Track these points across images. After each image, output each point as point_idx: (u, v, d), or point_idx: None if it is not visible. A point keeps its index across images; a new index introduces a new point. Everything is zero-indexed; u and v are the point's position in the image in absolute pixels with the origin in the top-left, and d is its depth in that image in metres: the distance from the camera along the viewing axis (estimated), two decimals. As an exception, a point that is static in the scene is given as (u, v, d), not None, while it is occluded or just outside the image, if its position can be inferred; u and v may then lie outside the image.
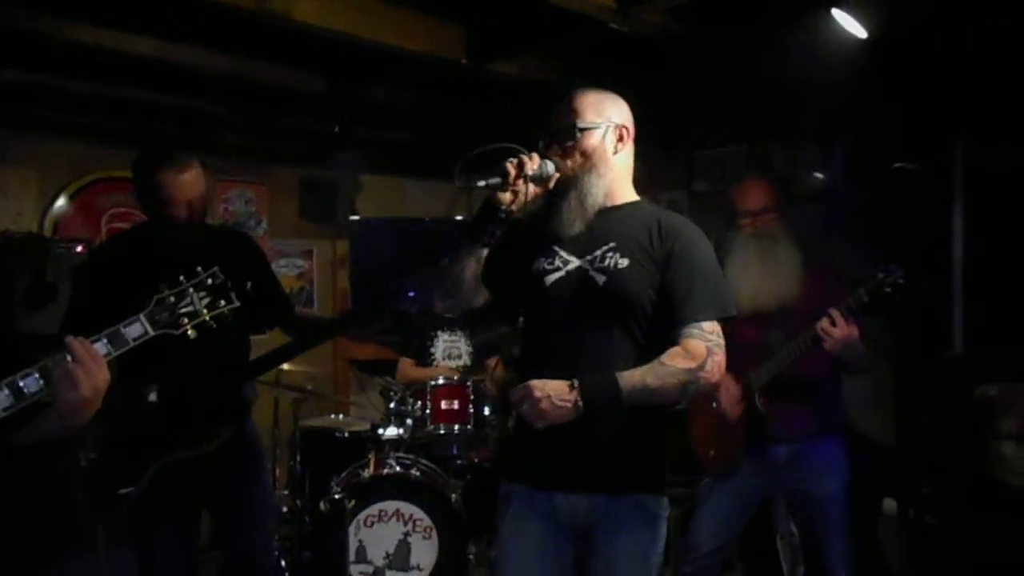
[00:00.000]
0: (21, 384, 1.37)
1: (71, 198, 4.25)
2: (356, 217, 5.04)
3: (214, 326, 1.58)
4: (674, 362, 1.77)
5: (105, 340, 1.45)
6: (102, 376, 1.41)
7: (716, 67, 3.16)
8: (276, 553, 3.32)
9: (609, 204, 1.89)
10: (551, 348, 1.86)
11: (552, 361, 1.83)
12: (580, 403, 1.73)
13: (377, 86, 3.40)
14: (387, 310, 3.03)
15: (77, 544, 2.90)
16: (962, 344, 3.30)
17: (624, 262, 1.83)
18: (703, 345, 1.79)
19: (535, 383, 1.75)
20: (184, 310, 1.54)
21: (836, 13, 2.43)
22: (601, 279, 1.83)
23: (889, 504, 3.30)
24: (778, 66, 2.89)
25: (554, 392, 1.73)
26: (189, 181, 2.34)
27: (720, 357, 1.81)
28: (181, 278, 1.56)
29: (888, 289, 2.33)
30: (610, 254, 1.85)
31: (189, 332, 1.56)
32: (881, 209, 3.38)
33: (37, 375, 1.38)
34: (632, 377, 1.75)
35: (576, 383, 1.73)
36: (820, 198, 3.91)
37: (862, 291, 2.36)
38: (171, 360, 2.35)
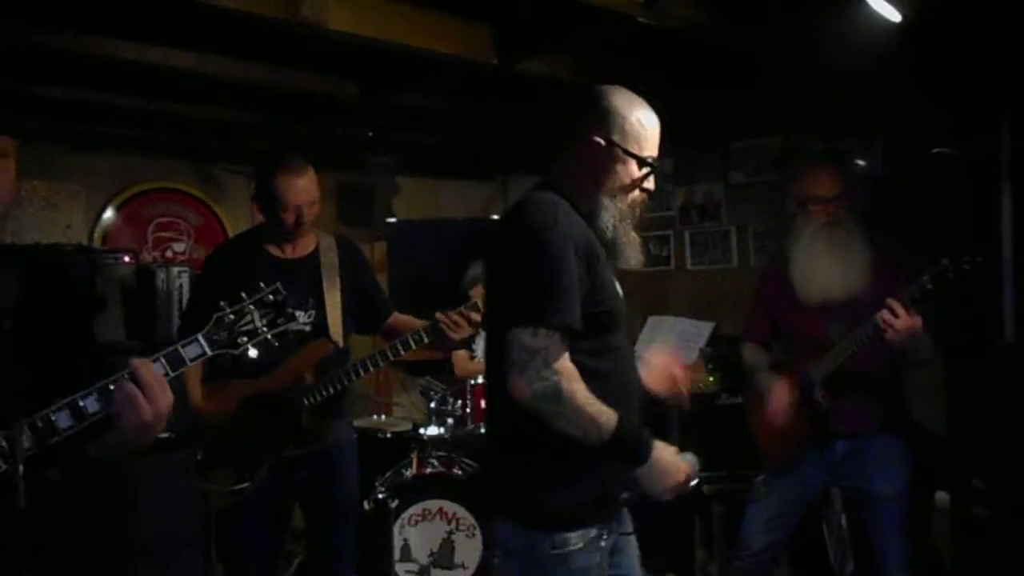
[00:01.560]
0: (82, 404, 1.36)
1: (118, 210, 4.37)
2: (393, 219, 5.10)
3: (276, 344, 1.55)
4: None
5: (164, 361, 1.43)
6: (165, 400, 1.38)
7: (747, 58, 3.11)
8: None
9: None
10: (629, 373, 1.79)
11: (625, 389, 1.74)
12: None
13: (409, 89, 3.43)
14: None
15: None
16: (1014, 331, 3.20)
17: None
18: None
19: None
20: (244, 328, 1.50)
21: (870, -2, 2.38)
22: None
23: (941, 497, 3.22)
24: (811, 54, 2.84)
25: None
26: (301, 186, 2.49)
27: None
28: (243, 295, 1.52)
29: (951, 275, 2.24)
30: None
31: (251, 353, 1.52)
32: (925, 195, 3.30)
33: (97, 396, 1.37)
34: None
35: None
36: (862, 186, 3.84)
37: (926, 278, 2.27)
38: (278, 358, 2.45)
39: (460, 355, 4.03)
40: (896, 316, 2.27)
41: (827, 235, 2.53)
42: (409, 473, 3.49)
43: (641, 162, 1.77)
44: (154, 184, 4.49)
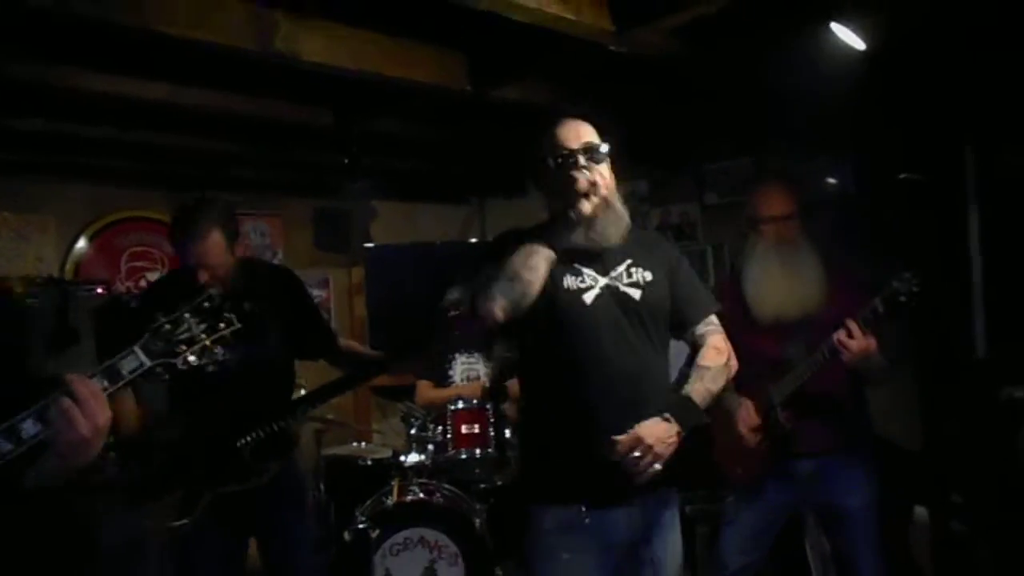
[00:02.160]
0: (20, 427, 1.32)
1: (90, 240, 4.33)
2: (370, 244, 5.09)
3: (218, 352, 1.52)
4: (715, 361, 1.95)
5: (100, 375, 1.39)
6: (103, 415, 1.34)
7: (719, 83, 3.17)
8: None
9: None
10: (591, 364, 1.85)
11: (594, 377, 1.84)
12: (682, 432, 1.79)
13: (384, 116, 3.45)
14: (424, 349, 3.02)
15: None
16: (985, 348, 3.25)
17: (649, 275, 1.95)
18: (722, 337, 1.98)
19: (643, 434, 1.75)
20: (181, 337, 1.48)
21: (835, 27, 2.43)
22: (637, 293, 1.92)
23: (920, 512, 3.25)
24: (781, 79, 2.89)
25: (660, 434, 1.76)
26: (204, 250, 2.41)
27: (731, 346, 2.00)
28: (180, 305, 1.50)
29: (903, 298, 2.28)
30: (634, 269, 1.95)
31: (190, 359, 1.49)
32: (893, 217, 3.35)
33: (34, 418, 1.32)
34: (700, 391, 1.89)
35: (671, 417, 1.79)
36: (832, 205, 3.90)
37: (877, 301, 2.32)
38: (218, 396, 2.41)
39: (423, 383, 4.00)
40: (852, 337, 2.30)
41: (779, 253, 2.54)
42: (390, 501, 3.45)
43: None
44: (127, 213, 4.45)
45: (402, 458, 3.61)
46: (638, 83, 3.25)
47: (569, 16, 2.38)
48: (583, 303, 1.88)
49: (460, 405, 3.66)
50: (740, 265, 2.69)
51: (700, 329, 1.98)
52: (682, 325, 1.99)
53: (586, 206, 1.85)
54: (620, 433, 1.77)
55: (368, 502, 3.52)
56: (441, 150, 4.36)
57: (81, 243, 4.30)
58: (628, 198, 4.80)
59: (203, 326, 1.50)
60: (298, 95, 3.25)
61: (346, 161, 3.64)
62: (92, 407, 1.33)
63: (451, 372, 4.03)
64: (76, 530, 2.86)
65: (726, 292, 2.75)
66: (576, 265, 1.91)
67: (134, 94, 2.91)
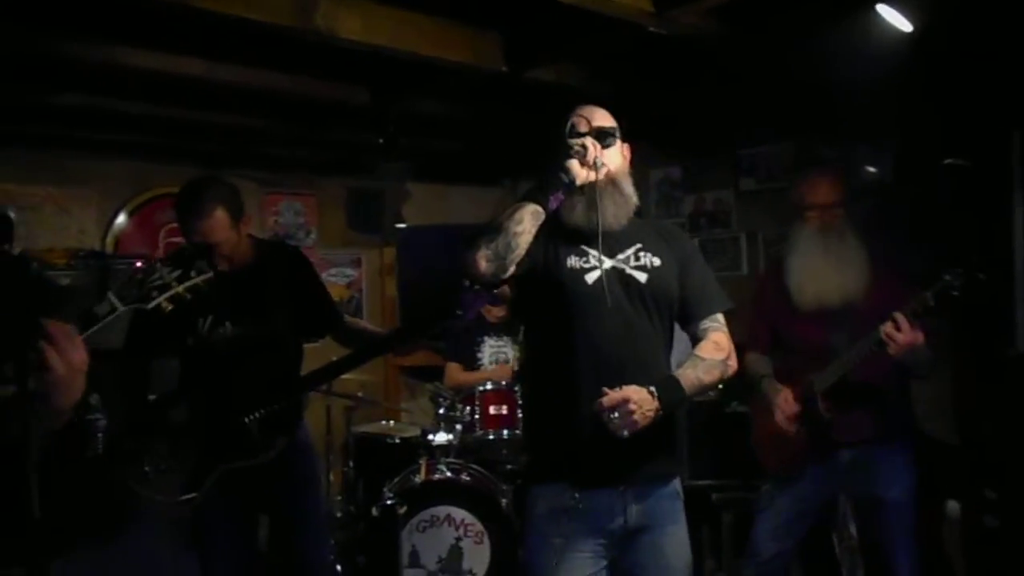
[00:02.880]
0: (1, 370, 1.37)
1: (130, 215, 4.40)
2: (402, 225, 5.11)
3: (189, 298, 1.56)
4: (711, 355, 1.94)
5: (76, 323, 1.42)
6: (78, 356, 1.37)
7: (758, 66, 3.12)
8: (332, 557, 3.39)
9: None
10: (589, 345, 1.86)
11: (590, 358, 1.86)
12: (661, 410, 1.80)
13: (420, 96, 3.45)
14: (436, 326, 3.04)
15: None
16: (1024, 341, 3.18)
17: (657, 260, 1.95)
18: (725, 337, 1.97)
19: (629, 394, 1.76)
20: (154, 283, 1.53)
21: (880, 8, 2.37)
22: (643, 276, 1.92)
23: (952, 506, 3.21)
24: (822, 63, 2.84)
25: (643, 401, 1.77)
26: (208, 227, 2.41)
27: (733, 347, 2.00)
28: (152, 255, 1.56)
29: (956, 292, 2.24)
30: (642, 253, 1.95)
31: (163, 305, 1.54)
32: (936, 205, 3.28)
33: (12, 364, 1.37)
34: (688, 376, 1.88)
35: (655, 391, 1.80)
36: (872, 194, 3.83)
37: (928, 294, 2.28)
38: (226, 371, 2.46)
39: (452, 366, 4.03)
40: (899, 330, 2.28)
41: (823, 241, 2.53)
42: (418, 479, 3.50)
43: None
44: (165, 190, 4.50)
45: (430, 437, 3.64)
46: (674, 65, 3.21)
47: (608, -5, 2.36)
48: (584, 283, 1.88)
49: (488, 386, 3.68)
50: (783, 252, 2.68)
51: (704, 324, 1.98)
52: (688, 318, 2.00)
53: (576, 167, 1.84)
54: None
55: (396, 479, 3.57)
56: (475, 131, 4.36)
57: (121, 218, 4.37)
58: (661, 184, 4.85)
59: (175, 273, 1.55)
60: (335, 73, 3.26)
61: (381, 141, 3.65)
62: (66, 347, 1.37)
63: (480, 355, 4.06)
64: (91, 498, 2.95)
65: (768, 281, 2.74)
66: (582, 246, 1.92)
67: (172, 70, 2.95)
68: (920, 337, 2.29)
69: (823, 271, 2.51)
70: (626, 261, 1.93)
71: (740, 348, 2.78)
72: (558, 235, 1.93)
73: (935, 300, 2.27)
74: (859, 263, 2.50)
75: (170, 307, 1.53)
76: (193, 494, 2.43)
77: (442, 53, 2.79)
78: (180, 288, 1.54)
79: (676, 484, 1.97)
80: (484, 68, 2.95)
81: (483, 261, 1.80)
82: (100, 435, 2.87)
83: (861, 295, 2.47)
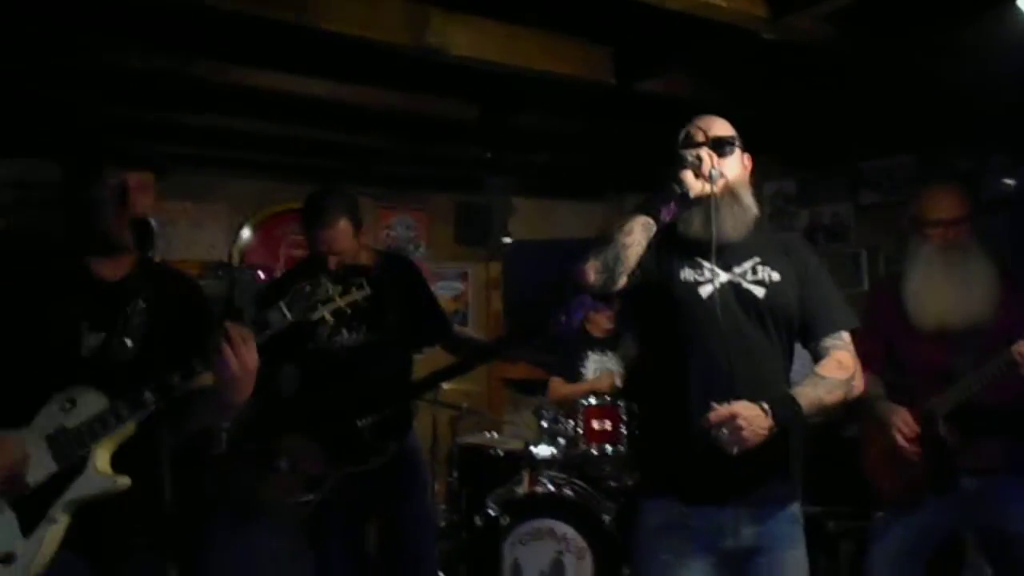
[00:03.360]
0: (191, 363, 1.59)
1: (254, 229, 4.66)
2: (508, 240, 5.17)
3: (348, 312, 1.71)
4: (833, 374, 1.86)
5: (250, 324, 1.62)
6: (251, 357, 1.58)
7: (880, 72, 2.97)
8: (437, 564, 3.44)
9: None
10: (700, 360, 1.82)
11: (701, 373, 1.81)
12: (774, 427, 1.75)
13: (527, 111, 3.49)
14: (540, 335, 3.07)
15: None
16: None
17: (776, 275, 1.88)
18: (850, 356, 1.89)
19: (736, 410, 1.72)
20: (319, 297, 1.68)
21: (1021, 4, 2.22)
22: (760, 291, 1.86)
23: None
24: (953, 67, 2.68)
25: (752, 417, 1.73)
26: (332, 237, 2.55)
27: (860, 367, 1.90)
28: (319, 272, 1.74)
29: None
30: (760, 268, 1.89)
31: (326, 317, 1.69)
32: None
33: (200, 357, 1.60)
34: (807, 395, 1.82)
35: (768, 408, 1.75)
36: (1010, 206, 3.57)
37: None
38: (341, 376, 2.55)
39: (555, 380, 4.03)
40: None
41: (945, 259, 2.38)
42: (521, 491, 3.50)
43: None
44: (286, 205, 4.75)
45: (533, 450, 3.65)
46: (789, 73, 3.11)
47: (721, 3, 2.32)
48: (699, 297, 1.83)
49: (592, 401, 3.65)
50: (901, 269, 2.54)
51: (827, 343, 1.90)
52: (809, 335, 1.91)
53: (689, 178, 1.81)
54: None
55: (499, 490, 3.58)
56: (581, 144, 4.37)
57: (246, 232, 4.64)
58: (774, 198, 4.70)
59: (338, 289, 1.71)
60: (446, 90, 3.35)
61: (489, 155, 3.71)
62: (242, 349, 1.57)
63: (584, 369, 4.04)
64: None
65: (883, 298, 2.60)
66: (697, 258, 1.86)
67: (299, 90, 3.11)
68: None
69: (945, 290, 2.36)
70: (743, 275, 1.87)
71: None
72: (673, 247, 1.89)
73: None
74: (986, 281, 2.34)
75: (332, 320, 1.70)
76: (311, 496, 2.54)
77: (552, 67, 2.82)
78: (342, 303, 1.70)
79: (795, 508, 1.89)
80: (593, 81, 2.95)
81: (592, 272, 1.80)
82: (223, 435, 3.02)
83: (988, 315, 2.32)
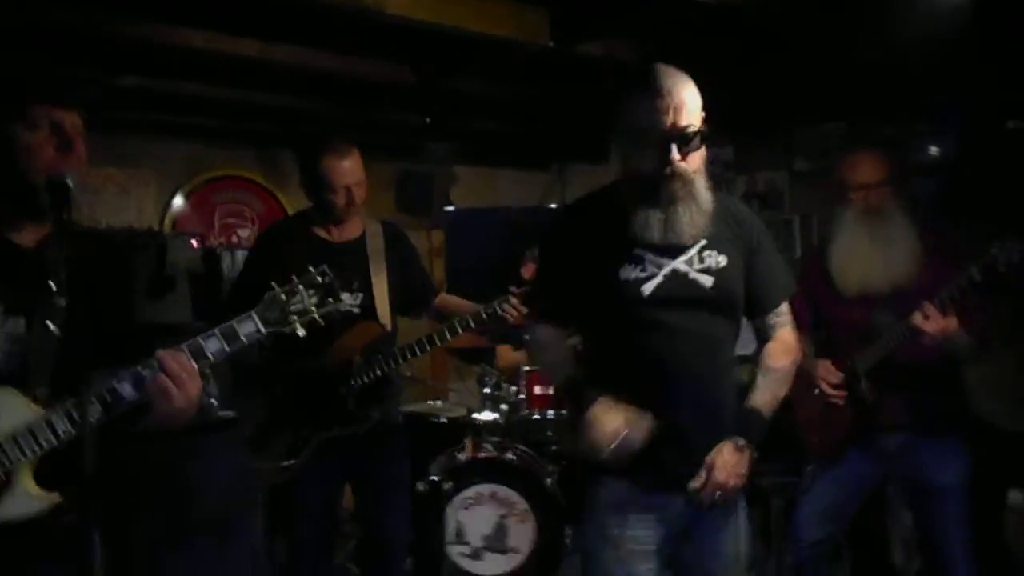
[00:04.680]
0: (119, 390, 1.43)
1: (186, 196, 4.52)
2: (450, 208, 5.14)
3: (322, 324, 1.58)
4: (782, 363, 1.88)
5: (219, 335, 1.48)
6: (195, 387, 1.44)
7: (813, 41, 3.02)
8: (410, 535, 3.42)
9: None
10: (649, 361, 1.76)
11: (652, 374, 1.76)
12: (754, 456, 1.77)
13: (465, 76, 3.44)
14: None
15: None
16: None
17: (723, 260, 1.80)
18: (791, 330, 1.91)
19: (720, 473, 1.72)
20: (294, 308, 1.54)
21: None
22: (707, 280, 1.77)
23: (1015, 496, 3.09)
24: (881, 37, 2.74)
25: (733, 467, 1.74)
26: (348, 168, 2.53)
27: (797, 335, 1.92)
28: (293, 277, 1.56)
29: (1003, 268, 2.15)
30: (707, 252, 1.79)
31: (299, 331, 1.55)
32: (1000, 183, 3.15)
33: (130, 383, 1.43)
34: (767, 401, 1.84)
35: (743, 443, 1.75)
36: (934, 172, 3.70)
37: (974, 269, 2.20)
38: (326, 342, 2.51)
39: (503, 347, 4.06)
40: (927, 319, 2.22)
41: (867, 223, 2.46)
42: (463, 457, 3.53)
43: None
44: (221, 172, 4.62)
45: (476, 416, 3.67)
46: (726, 39, 3.14)
47: (658, -36, 2.31)
48: (641, 297, 1.75)
49: (535, 367, 3.68)
50: (829, 234, 2.61)
51: (771, 319, 1.90)
52: (754, 311, 1.90)
53: (669, 203, 1.71)
54: (681, 427, 1.74)
55: (442, 457, 3.60)
56: (522, 111, 4.34)
57: (178, 199, 4.49)
58: (712, 164, 4.75)
59: (314, 299, 1.55)
60: (382, 53, 3.28)
61: (428, 121, 3.66)
62: (186, 382, 1.43)
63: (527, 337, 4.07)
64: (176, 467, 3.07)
65: (812, 264, 2.67)
66: (637, 250, 1.76)
67: (229, 50, 3.00)
68: (952, 324, 2.23)
69: (866, 254, 2.44)
70: (689, 263, 1.76)
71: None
72: (613, 239, 1.76)
73: (981, 275, 2.19)
74: (905, 244, 2.43)
75: (303, 332, 1.56)
76: (292, 461, 2.53)
77: (486, 28, 2.78)
78: (317, 315, 1.56)
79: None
80: (529, 43, 2.93)
81: None
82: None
83: (908, 277, 2.40)
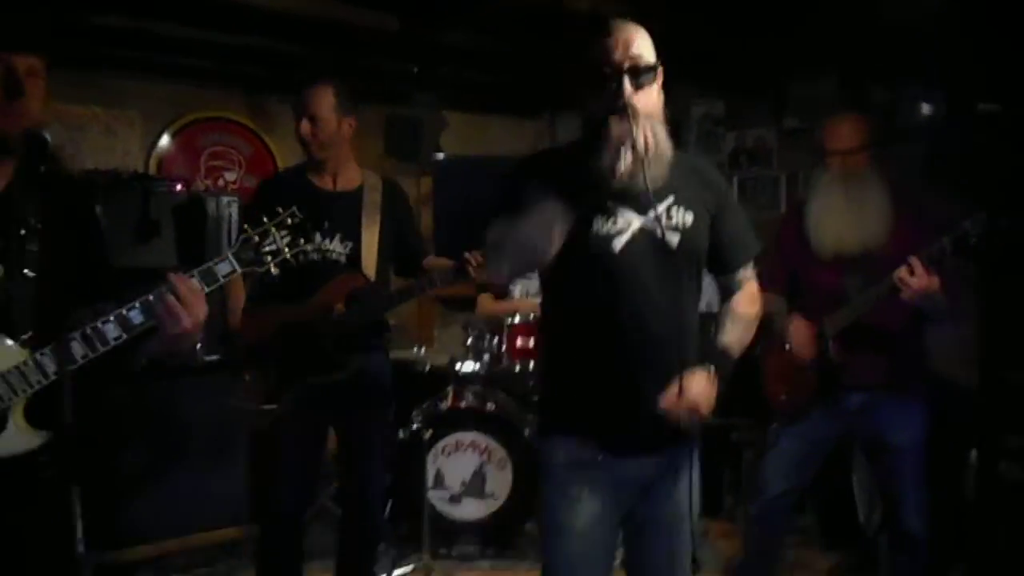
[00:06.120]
0: (128, 316, 1.51)
1: (172, 137, 4.48)
2: (440, 155, 5.11)
3: (294, 264, 1.68)
4: (748, 310, 1.91)
5: (198, 276, 1.57)
6: (202, 310, 1.53)
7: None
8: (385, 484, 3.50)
9: None
10: (616, 316, 1.74)
11: (617, 330, 1.74)
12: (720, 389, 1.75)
13: (453, 26, 3.39)
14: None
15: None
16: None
17: (690, 217, 1.78)
18: (755, 285, 1.94)
19: (693, 391, 1.68)
20: (267, 248, 1.65)
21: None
22: (675, 238, 1.76)
23: (975, 455, 3.18)
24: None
25: (708, 390, 1.71)
26: (308, 100, 2.60)
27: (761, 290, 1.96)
28: (264, 219, 1.65)
29: (974, 240, 2.21)
30: (675, 209, 1.78)
31: (272, 270, 1.65)
32: (978, 152, 3.16)
33: (140, 309, 1.51)
34: (733, 341, 1.85)
35: (713, 370, 1.73)
36: (924, 133, 3.68)
37: (945, 240, 2.25)
38: (309, 288, 2.57)
39: (483, 296, 4.09)
40: (913, 274, 2.25)
41: (843, 187, 2.49)
42: (444, 405, 3.60)
43: None
44: (207, 113, 4.57)
45: (458, 366, 3.74)
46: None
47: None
48: (611, 252, 1.72)
49: (517, 319, 3.74)
50: (806, 196, 2.65)
51: (738, 276, 1.91)
52: (720, 269, 1.90)
53: (625, 154, 1.65)
54: (645, 388, 1.71)
55: (424, 405, 3.68)
56: (512, 62, 4.29)
57: (164, 140, 4.45)
58: (703, 120, 4.73)
59: (287, 240, 1.67)
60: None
61: (415, 70, 3.62)
62: (194, 304, 1.52)
63: (512, 287, 4.10)
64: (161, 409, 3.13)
65: (789, 224, 2.70)
66: (609, 203, 1.72)
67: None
68: (935, 283, 2.26)
69: (841, 217, 2.48)
70: (658, 220, 1.73)
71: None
72: (584, 188, 1.70)
73: (952, 247, 2.24)
74: (879, 209, 2.46)
75: (277, 271, 1.66)
76: (273, 405, 2.58)
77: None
78: (289, 255, 1.67)
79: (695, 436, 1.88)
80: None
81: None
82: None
83: (880, 241, 2.44)
